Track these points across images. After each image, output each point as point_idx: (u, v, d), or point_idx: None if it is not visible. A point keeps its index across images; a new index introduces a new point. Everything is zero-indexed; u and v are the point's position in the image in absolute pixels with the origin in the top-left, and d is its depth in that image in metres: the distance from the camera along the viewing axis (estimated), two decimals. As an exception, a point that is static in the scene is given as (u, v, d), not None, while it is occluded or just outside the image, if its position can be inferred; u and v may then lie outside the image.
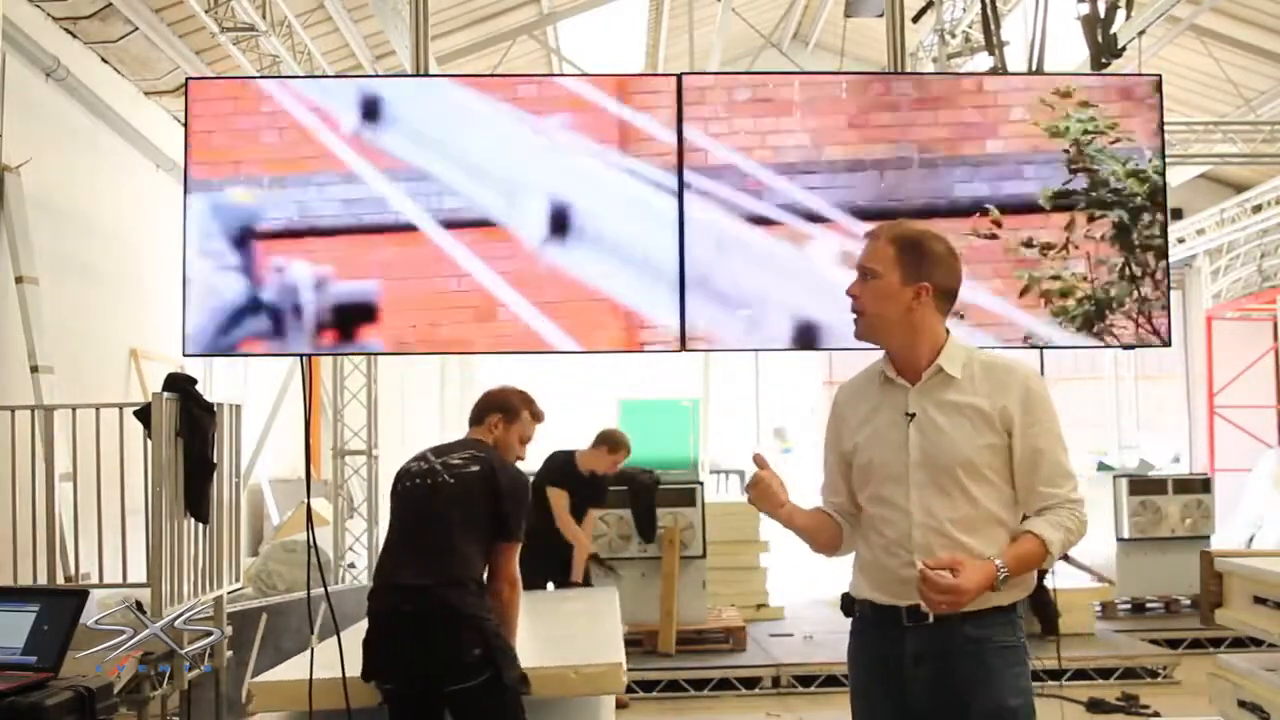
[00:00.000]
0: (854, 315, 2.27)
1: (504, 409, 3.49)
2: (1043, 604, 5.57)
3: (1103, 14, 5.53)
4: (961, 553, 2.11)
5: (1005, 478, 2.19)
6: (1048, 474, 2.17)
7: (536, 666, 3.18)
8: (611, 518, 6.65)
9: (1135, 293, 3.51)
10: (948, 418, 2.18)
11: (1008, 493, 2.20)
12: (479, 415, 3.52)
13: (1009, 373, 2.21)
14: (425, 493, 3.25)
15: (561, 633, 4.10)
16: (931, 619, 2.13)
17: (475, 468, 3.26)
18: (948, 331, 2.27)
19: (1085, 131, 3.54)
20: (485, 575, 3.24)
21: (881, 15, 4.63)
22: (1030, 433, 2.17)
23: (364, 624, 3.29)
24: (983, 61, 7.76)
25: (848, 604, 2.32)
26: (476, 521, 3.19)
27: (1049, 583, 5.04)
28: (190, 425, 4.37)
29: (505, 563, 3.24)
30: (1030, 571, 2.18)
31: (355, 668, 3.14)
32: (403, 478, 3.36)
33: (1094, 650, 6.30)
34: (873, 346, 2.32)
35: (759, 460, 2.32)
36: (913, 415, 2.21)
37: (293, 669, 3.41)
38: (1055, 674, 5.29)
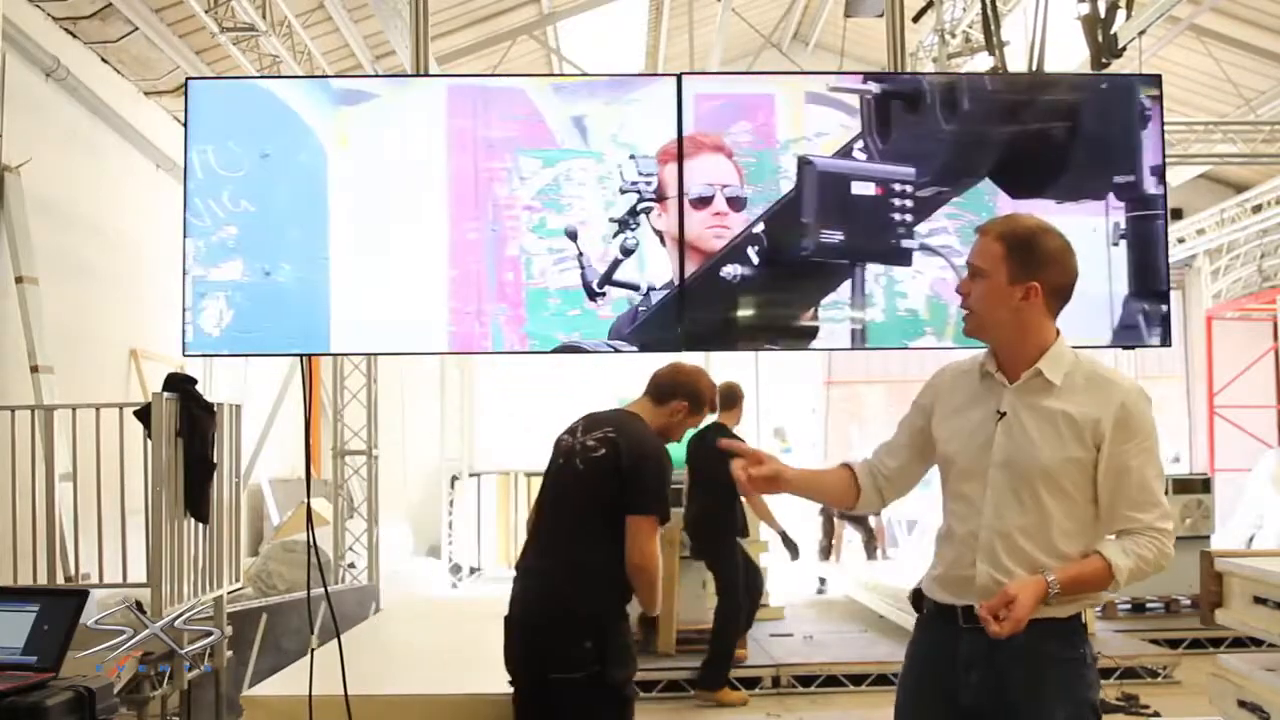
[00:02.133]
0: (963, 312, 2.23)
1: (693, 399, 3.30)
2: None
3: (1103, 14, 5.52)
4: (1024, 560, 2.09)
5: (1087, 494, 2.12)
6: (1133, 497, 2.09)
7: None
8: (611, 518, 6.64)
9: None
10: (1038, 424, 2.13)
11: (1087, 510, 2.13)
12: (662, 394, 3.30)
13: (1111, 385, 2.14)
14: (561, 474, 3.17)
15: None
16: None
17: (602, 451, 3.13)
18: (1058, 333, 2.20)
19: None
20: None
21: (881, 15, 4.62)
22: (1120, 450, 2.09)
23: (363, 627, 3.28)
24: (983, 61, 7.75)
25: (917, 598, 2.30)
26: (601, 507, 3.06)
27: None
28: (190, 425, 4.38)
29: (633, 537, 3.05)
30: (1090, 591, 2.12)
31: (356, 677, 3.10)
32: (555, 449, 3.26)
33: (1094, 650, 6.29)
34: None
35: (740, 450, 2.27)
36: (1003, 414, 2.16)
37: (290, 680, 3.37)
38: None
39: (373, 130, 3.24)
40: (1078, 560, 2.10)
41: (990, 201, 3.27)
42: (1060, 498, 2.11)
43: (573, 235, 3.24)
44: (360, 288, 3.20)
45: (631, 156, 3.26)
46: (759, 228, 3.26)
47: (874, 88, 3.32)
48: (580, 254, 3.24)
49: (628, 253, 3.26)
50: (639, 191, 3.26)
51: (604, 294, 3.25)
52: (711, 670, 5.86)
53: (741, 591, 5.91)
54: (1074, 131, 3.34)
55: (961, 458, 2.21)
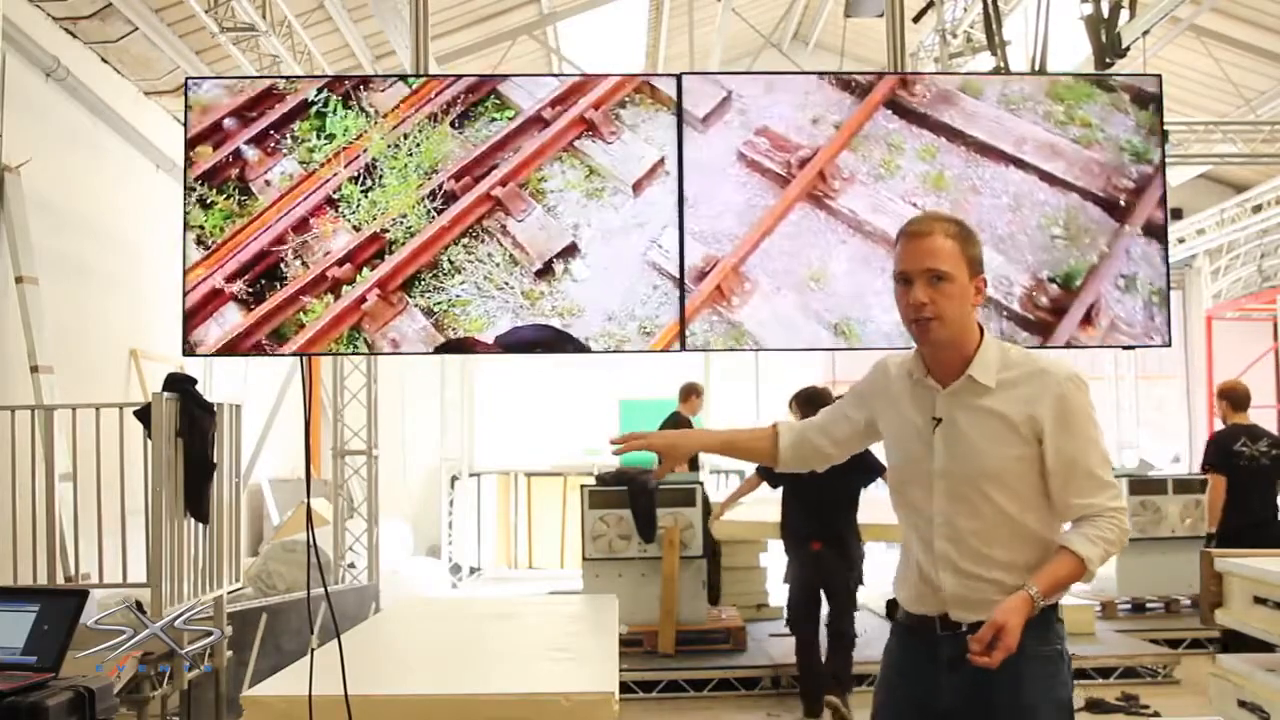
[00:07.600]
0: (924, 320, 2.08)
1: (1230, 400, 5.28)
2: None
3: (1106, 14, 5.52)
4: (984, 561, 2.08)
5: (1038, 488, 2.09)
6: (1080, 485, 2.06)
7: (528, 693, 3.13)
8: (611, 518, 6.65)
9: None
10: (976, 426, 2.08)
11: (1040, 502, 2.10)
12: None
13: (1044, 375, 2.07)
14: None
15: (558, 646, 4.04)
16: (964, 628, 2.07)
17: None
18: (981, 329, 2.14)
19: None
20: None
21: (882, 15, 4.62)
22: (1061, 442, 2.05)
23: (363, 627, 3.26)
24: (984, 62, 7.75)
25: (892, 607, 2.31)
26: None
27: None
28: (190, 425, 4.38)
29: None
30: (1068, 587, 2.10)
31: (356, 677, 3.08)
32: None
33: (1094, 650, 6.29)
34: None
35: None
36: (939, 420, 2.12)
37: (290, 680, 3.34)
38: None
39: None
40: (1049, 564, 2.06)
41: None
42: (1010, 496, 2.08)
43: None
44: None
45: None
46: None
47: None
48: None
49: None
50: None
51: None
52: None
53: None
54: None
55: (905, 466, 2.18)
